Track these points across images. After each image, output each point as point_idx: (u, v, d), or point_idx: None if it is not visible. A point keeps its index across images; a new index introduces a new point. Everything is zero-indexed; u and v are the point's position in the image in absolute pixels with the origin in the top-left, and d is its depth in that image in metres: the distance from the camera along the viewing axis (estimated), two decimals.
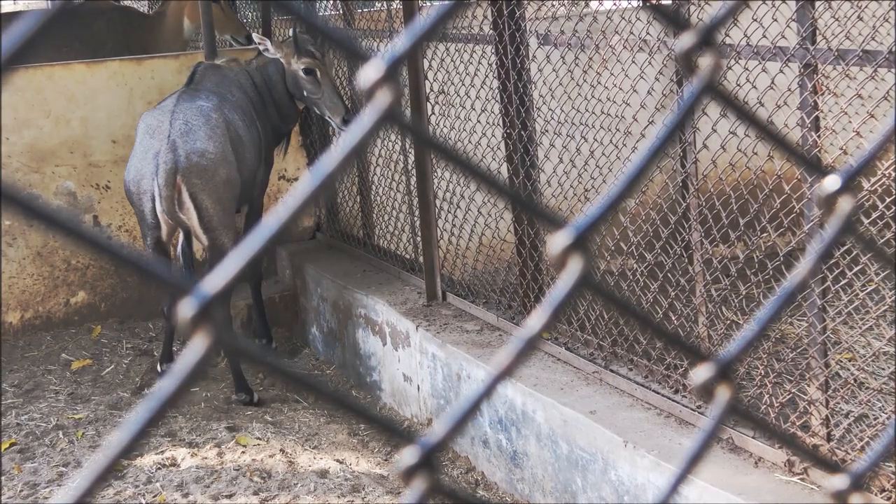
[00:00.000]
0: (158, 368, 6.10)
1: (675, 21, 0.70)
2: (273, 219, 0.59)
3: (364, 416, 0.67)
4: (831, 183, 0.74)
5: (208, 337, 0.57)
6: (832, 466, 0.82)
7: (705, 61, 0.68)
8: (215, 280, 0.58)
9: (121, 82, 6.95)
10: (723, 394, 0.70)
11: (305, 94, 6.32)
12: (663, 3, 4.50)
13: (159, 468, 4.95)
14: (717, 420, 0.71)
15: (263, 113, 6.41)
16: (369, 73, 0.60)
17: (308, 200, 0.59)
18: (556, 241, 0.66)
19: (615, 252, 4.67)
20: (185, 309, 0.58)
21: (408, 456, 0.63)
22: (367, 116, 0.60)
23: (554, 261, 0.65)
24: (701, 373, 0.71)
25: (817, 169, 0.79)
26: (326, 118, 6.39)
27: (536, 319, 0.65)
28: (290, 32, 6.48)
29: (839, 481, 0.75)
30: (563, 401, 4.40)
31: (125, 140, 6.98)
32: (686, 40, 0.68)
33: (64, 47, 7.89)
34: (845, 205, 0.74)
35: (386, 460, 5.12)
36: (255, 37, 6.53)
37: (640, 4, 4.59)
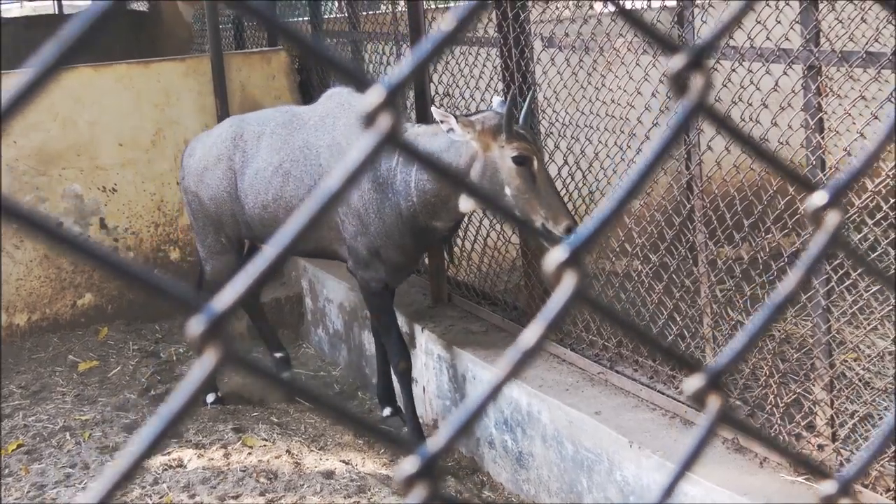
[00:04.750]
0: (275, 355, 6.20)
1: (666, 43, 0.72)
2: (279, 240, 0.62)
3: (364, 428, 0.69)
4: (818, 198, 0.76)
5: (217, 353, 0.60)
6: (823, 473, 0.84)
7: (696, 82, 0.70)
8: (225, 298, 0.60)
9: (128, 85, 6.98)
10: (713, 403, 0.72)
11: (508, 191, 4.46)
12: (669, 4, 4.52)
13: (166, 469, 4.98)
14: (707, 430, 0.74)
15: (387, 188, 4.90)
16: (371, 98, 0.63)
17: (311, 222, 0.61)
18: (552, 258, 0.68)
19: (620, 253, 4.69)
20: (195, 326, 0.60)
21: (408, 465, 0.65)
22: (369, 139, 0.63)
23: (549, 277, 0.68)
24: (692, 382, 0.73)
25: (806, 185, 0.81)
26: (537, 227, 4.40)
27: (531, 333, 0.67)
28: (495, 105, 4.72)
29: (828, 486, 0.78)
30: (569, 401, 4.42)
31: (132, 143, 7.02)
32: (676, 62, 0.71)
33: None
34: (832, 219, 0.76)
35: (392, 461, 5.15)
36: (437, 113, 4.67)
37: (645, 6, 4.60)
